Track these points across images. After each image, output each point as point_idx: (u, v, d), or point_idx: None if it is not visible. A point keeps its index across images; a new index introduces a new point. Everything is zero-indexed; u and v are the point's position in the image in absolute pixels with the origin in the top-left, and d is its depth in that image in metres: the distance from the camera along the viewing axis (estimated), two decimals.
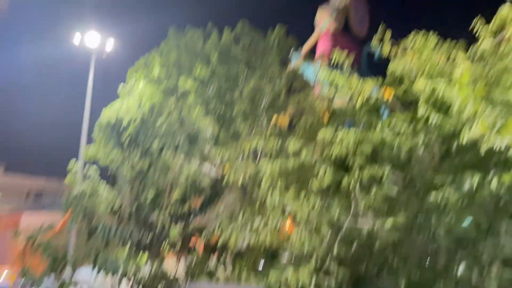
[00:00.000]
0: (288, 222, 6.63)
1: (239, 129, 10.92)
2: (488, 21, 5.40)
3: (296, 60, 11.23)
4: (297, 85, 11.04)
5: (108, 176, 10.86)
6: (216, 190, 10.73)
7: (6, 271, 18.31)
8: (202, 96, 10.70)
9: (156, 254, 9.75)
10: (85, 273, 10.95)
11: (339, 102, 6.78)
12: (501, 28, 5.24)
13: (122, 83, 10.95)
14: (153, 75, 10.94)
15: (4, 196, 25.05)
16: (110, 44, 13.36)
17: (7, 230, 21.10)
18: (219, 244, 8.44)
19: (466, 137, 4.32)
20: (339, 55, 6.38)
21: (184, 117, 10.45)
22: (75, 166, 11.31)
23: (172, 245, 9.75)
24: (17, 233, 11.38)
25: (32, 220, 16.59)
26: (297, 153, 6.10)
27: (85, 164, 11.07)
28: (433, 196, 4.50)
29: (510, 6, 5.02)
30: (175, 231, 9.65)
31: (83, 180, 10.90)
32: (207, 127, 10.41)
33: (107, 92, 11.81)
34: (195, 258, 9.80)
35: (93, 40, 13.03)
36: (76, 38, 13.14)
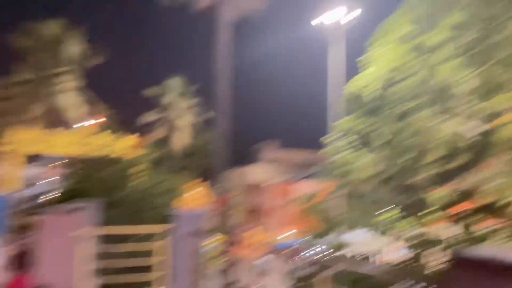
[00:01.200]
0: None
1: (504, 79, 9.32)
2: None
3: None
4: None
5: (361, 145, 11.37)
6: (482, 149, 9.62)
7: (290, 231, 21.89)
8: (457, 46, 9.59)
9: (420, 218, 9.65)
10: (353, 234, 11.94)
11: None
12: None
13: (364, 54, 11.19)
14: (398, 35, 10.56)
15: (281, 168, 30.37)
16: (353, 17, 13.87)
17: (284, 197, 25.35)
18: (496, 206, 7.60)
19: None
20: None
21: (436, 73, 9.74)
22: (330, 139, 12.35)
23: (439, 209, 9.39)
24: (292, 199, 13.44)
25: (302, 188, 19.21)
26: None
27: (338, 136, 11.91)
28: None
29: None
30: (440, 193, 9.29)
31: (338, 151, 11.78)
32: (466, 80, 9.38)
33: (353, 65, 12.32)
34: (466, 222, 9.14)
35: (338, 15, 13.88)
36: (322, 17, 14.29)
